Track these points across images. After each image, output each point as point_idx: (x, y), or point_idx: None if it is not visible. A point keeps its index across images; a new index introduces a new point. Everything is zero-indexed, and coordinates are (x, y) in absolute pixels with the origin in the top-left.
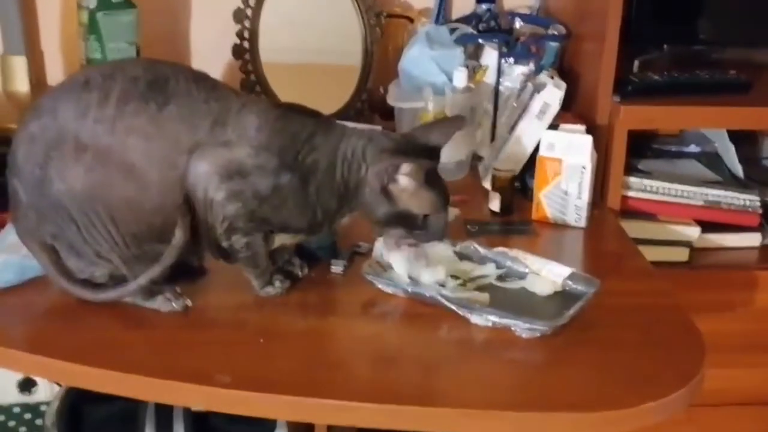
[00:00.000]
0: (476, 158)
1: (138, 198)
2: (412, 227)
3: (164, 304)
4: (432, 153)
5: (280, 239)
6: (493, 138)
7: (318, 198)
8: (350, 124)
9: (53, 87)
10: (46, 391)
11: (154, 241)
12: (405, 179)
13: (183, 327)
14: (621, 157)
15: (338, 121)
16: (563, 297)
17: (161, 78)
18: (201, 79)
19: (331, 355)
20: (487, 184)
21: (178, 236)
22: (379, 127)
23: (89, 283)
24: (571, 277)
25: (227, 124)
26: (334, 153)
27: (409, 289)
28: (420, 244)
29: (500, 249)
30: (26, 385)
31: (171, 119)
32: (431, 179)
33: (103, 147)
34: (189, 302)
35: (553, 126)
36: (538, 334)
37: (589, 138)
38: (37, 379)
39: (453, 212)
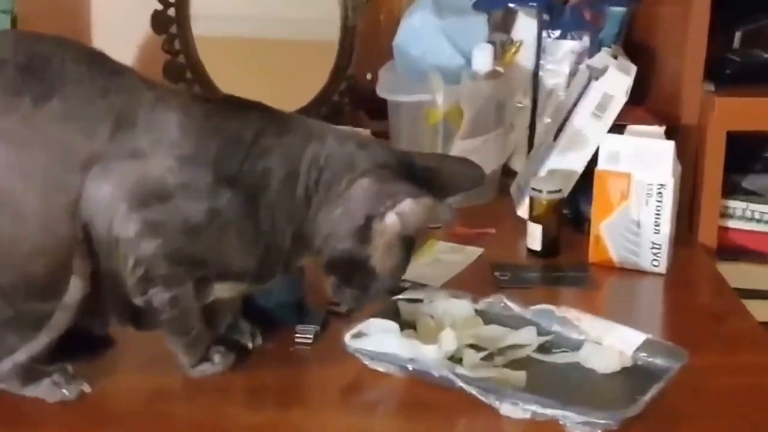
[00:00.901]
0: (507, 174)
1: (9, 235)
2: (356, 282)
3: (51, 391)
4: (437, 196)
5: (219, 290)
6: (531, 145)
7: (272, 223)
8: (321, 123)
9: None
10: None
11: (36, 298)
12: (397, 219)
13: (78, 425)
14: (717, 171)
15: (300, 116)
16: (635, 376)
17: (39, 60)
18: (97, 61)
19: None
20: (523, 212)
21: (74, 290)
22: (366, 131)
23: None
24: (645, 346)
25: (136, 125)
26: (296, 158)
27: (410, 367)
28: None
29: (543, 306)
30: None
31: (54, 120)
32: (406, 239)
33: None
34: (87, 387)
35: (619, 127)
36: (600, 430)
37: (671, 144)
38: None
39: (473, 253)
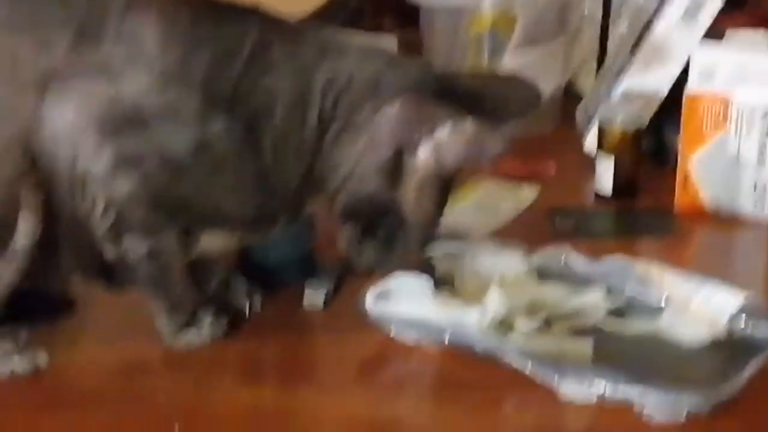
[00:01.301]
0: (571, 96)
1: None
2: (380, 233)
3: None
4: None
5: (209, 242)
6: (601, 61)
7: (276, 159)
8: (339, 35)
9: None
10: None
11: None
12: (433, 151)
13: (30, 406)
14: None
15: (311, 25)
16: (730, 348)
17: None
18: None
19: None
20: (590, 144)
21: (24, 230)
22: (391, 39)
23: None
24: (744, 312)
25: (104, 36)
26: (308, 78)
27: (447, 336)
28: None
29: (615, 262)
30: None
31: None
32: (444, 179)
33: None
34: (43, 359)
35: (714, 35)
36: (685, 416)
37: None
38: None
39: (528, 195)
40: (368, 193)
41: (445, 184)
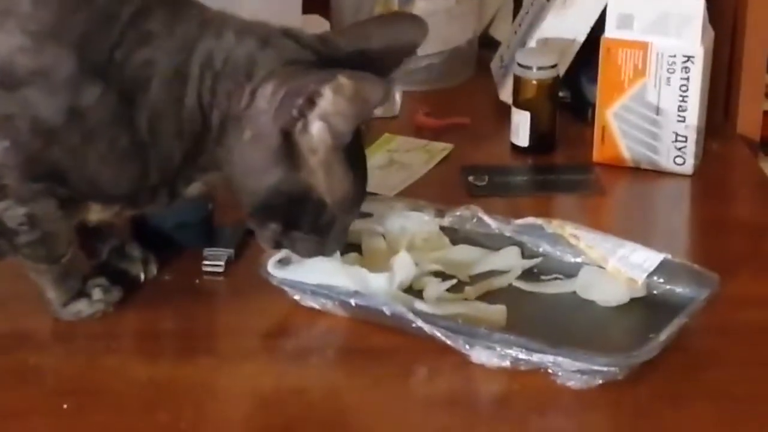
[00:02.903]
0: (487, 46)
1: None
2: (306, 225)
3: None
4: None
5: (88, 212)
6: (517, 7)
7: (152, 137)
8: (224, 13)
9: None
10: None
11: None
12: (322, 124)
13: None
14: (762, 40)
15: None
16: (648, 309)
17: None
18: None
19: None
20: (506, 96)
21: None
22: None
23: None
24: (663, 270)
25: None
26: (187, 52)
27: (354, 302)
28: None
29: (530, 220)
30: None
31: None
32: (352, 149)
33: None
34: None
35: None
36: (600, 381)
37: (701, 3)
38: None
39: (441, 150)
40: (273, 187)
41: (353, 151)
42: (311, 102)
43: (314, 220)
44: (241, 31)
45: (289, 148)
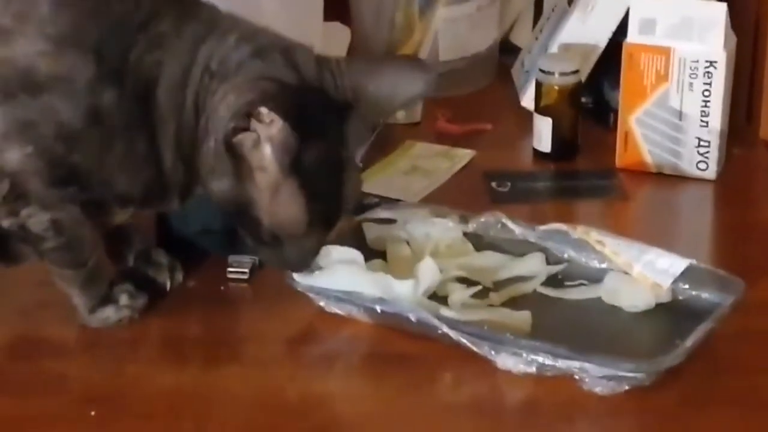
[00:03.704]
0: (508, 51)
1: None
2: (254, 234)
3: None
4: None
5: (115, 214)
6: (538, 13)
7: (161, 140)
8: (236, 17)
9: None
10: None
11: None
12: (261, 138)
13: None
14: None
15: (211, 4)
16: (673, 315)
17: None
18: None
19: None
20: (528, 102)
21: None
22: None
23: None
24: (688, 276)
25: None
26: (193, 55)
27: (379, 308)
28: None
29: (554, 226)
30: None
31: None
32: (319, 174)
33: None
34: None
35: None
36: (626, 387)
37: (723, 7)
38: None
39: (464, 156)
40: (222, 193)
41: (320, 176)
42: (253, 107)
43: (258, 233)
44: (243, 38)
45: (231, 159)
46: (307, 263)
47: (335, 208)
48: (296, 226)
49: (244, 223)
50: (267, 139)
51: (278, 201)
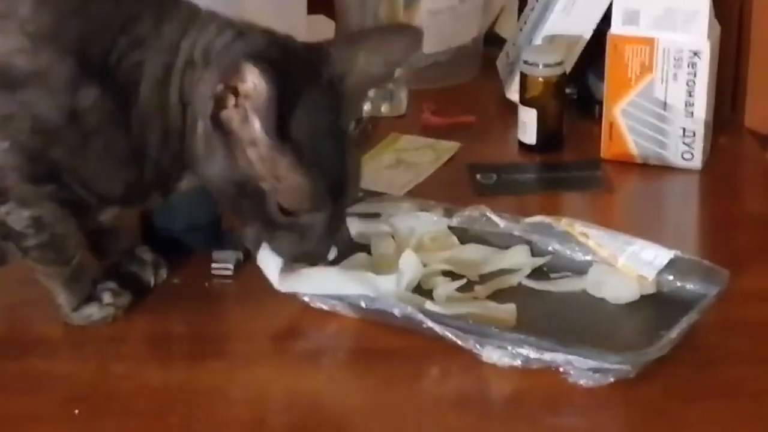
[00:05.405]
0: (492, 43)
1: None
2: (264, 220)
3: None
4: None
5: (98, 213)
6: (523, 5)
7: (142, 138)
8: (214, 12)
9: None
10: None
11: None
12: (252, 112)
13: None
14: None
15: (190, 2)
16: (658, 306)
17: None
18: None
19: None
20: (512, 93)
21: None
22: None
23: None
24: (673, 267)
25: None
26: (174, 52)
27: (364, 303)
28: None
29: (538, 219)
30: None
31: None
32: (320, 130)
33: None
34: None
35: None
36: (611, 379)
37: None
38: None
39: (449, 148)
40: (220, 176)
41: (315, 144)
42: (246, 95)
43: (263, 215)
44: (224, 24)
45: (219, 135)
46: (326, 250)
47: (339, 178)
48: (301, 196)
49: (249, 208)
50: (253, 110)
51: (277, 173)
